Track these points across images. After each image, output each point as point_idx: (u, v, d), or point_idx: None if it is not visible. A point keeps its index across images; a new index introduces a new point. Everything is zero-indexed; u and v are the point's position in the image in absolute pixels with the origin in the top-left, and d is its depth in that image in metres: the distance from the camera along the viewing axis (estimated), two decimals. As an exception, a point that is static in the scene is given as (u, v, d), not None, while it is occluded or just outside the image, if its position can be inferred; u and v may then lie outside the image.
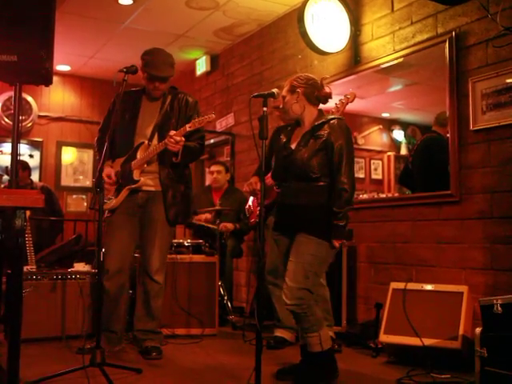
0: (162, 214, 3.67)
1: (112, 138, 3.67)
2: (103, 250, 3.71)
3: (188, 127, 3.51)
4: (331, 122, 3.00)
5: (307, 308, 2.91)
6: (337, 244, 2.90)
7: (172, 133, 3.48)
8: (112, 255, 3.63)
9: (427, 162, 4.24)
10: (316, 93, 3.09)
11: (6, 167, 6.28)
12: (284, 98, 3.12)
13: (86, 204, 7.80)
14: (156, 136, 3.68)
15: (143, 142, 3.67)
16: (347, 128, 3.02)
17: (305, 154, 2.99)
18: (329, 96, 3.15)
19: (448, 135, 3.86)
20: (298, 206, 3.01)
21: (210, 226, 5.13)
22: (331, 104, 3.45)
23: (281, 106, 3.19)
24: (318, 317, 2.97)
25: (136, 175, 3.66)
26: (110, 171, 3.67)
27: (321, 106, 3.16)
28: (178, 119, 3.70)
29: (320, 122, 3.02)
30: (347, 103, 3.75)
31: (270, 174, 3.72)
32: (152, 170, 3.69)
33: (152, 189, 3.69)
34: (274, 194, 3.82)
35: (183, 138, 3.49)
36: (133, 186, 3.66)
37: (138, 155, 3.66)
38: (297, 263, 2.92)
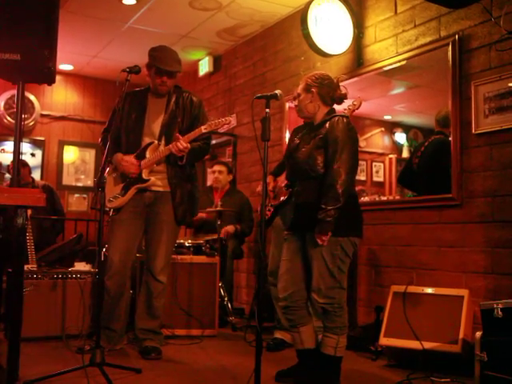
0: (170, 214, 3.69)
1: (118, 137, 3.70)
2: (104, 248, 3.73)
3: (203, 129, 3.55)
4: (333, 119, 2.96)
5: (338, 308, 2.91)
6: (319, 241, 2.83)
7: (179, 137, 3.52)
8: (115, 254, 3.63)
9: (436, 165, 4.19)
10: (331, 93, 3.05)
11: (8, 166, 6.28)
12: (299, 95, 3.09)
13: (87, 203, 7.81)
14: (164, 135, 3.70)
15: (153, 142, 3.68)
16: (348, 125, 2.94)
17: (305, 152, 2.97)
18: (344, 97, 3.10)
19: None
20: (308, 204, 2.97)
21: (210, 237, 5.06)
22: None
23: (296, 104, 3.15)
24: (344, 321, 2.96)
25: (145, 174, 3.67)
26: (130, 157, 3.68)
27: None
28: (183, 118, 3.72)
29: (323, 120, 3.01)
30: (353, 110, 3.73)
31: (283, 175, 3.74)
32: (160, 169, 3.70)
33: (160, 189, 3.70)
34: (284, 194, 3.84)
35: (189, 145, 3.53)
36: (142, 185, 3.66)
37: (148, 155, 3.66)
38: (319, 265, 2.90)
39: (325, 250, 2.88)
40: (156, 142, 3.68)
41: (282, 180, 3.78)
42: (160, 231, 3.70)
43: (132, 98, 3.77)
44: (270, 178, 3.69)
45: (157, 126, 3.71)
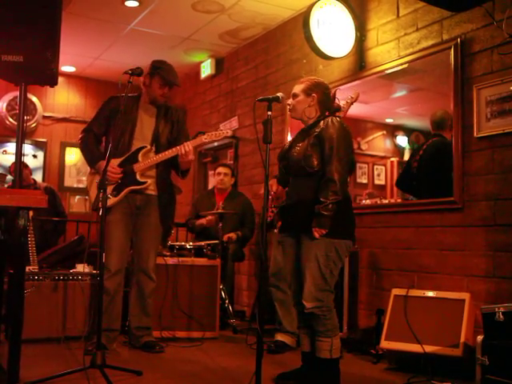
0: (158, 217, 3.82)
1: (101, 138, 3.88)
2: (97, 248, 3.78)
3: (204, 138, 3.74)
4: (326, 119, 2.99)
5: (327, 311, 2.89)
6: (317, 234, 2.83)
7: (185, 143, 3.68)
8: (112, 255, 3.67)
9: (436, 167, 4.18)
10: (329, 104, 3.11)
11: (9, 167, 6.29)
12: (296, 96, 3.09)
13: (88, 205, 7.79)
14: (155, 141, 3.80)
15: (145, 146, 3.75)
16: (342, 125, 2.97)
17: (300, 149, 2.99)
18: (337, 110, 3.18)
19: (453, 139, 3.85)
20: (300, 202, 2.97)
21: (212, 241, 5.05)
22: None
23: (289, 102, 3.13)
24: (335, 323, 2.95)
25: (139, 177, 3.72)
26: (112, 163, 3.69)
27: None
28: (171, 129, 3.87)
29: (316, 119, 3.04)
30: (352, 103, 3.82)
31: None
32: (151, 174, 3.79)
33: (150, 192, 3.80)
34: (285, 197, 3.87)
35: (192, 149, 3.69)
36: (137, 187, 3.73)
37: (140, 158, 3.73)
38: (312, 267, 2.88)
39: (319, 251, 2.87)
40: (148, 146, 3.76)
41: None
42: (150, 233, 3.83)
43: (123, 101, 3.81)
44: (273, 181, 3.72)
45: (149, 132, 3.81)
